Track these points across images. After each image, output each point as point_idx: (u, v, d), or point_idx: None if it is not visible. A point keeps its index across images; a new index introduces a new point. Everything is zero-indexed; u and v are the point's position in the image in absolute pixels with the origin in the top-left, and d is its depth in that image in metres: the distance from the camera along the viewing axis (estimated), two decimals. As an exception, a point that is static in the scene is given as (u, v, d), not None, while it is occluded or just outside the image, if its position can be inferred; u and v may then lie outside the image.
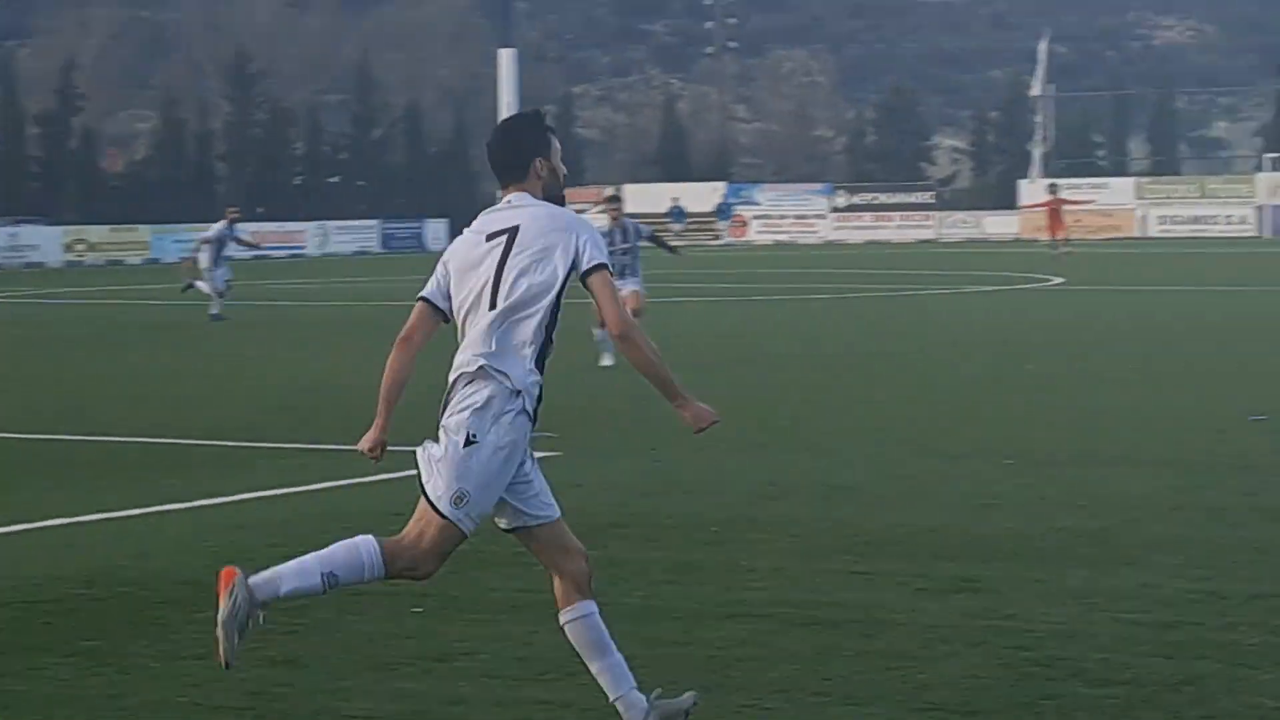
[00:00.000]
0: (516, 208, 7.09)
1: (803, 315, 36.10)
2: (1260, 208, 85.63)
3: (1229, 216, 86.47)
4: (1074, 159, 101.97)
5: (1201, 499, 12.67)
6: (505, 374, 6.88)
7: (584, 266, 6.93)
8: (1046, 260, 54.56)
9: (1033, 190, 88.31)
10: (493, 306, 6.93)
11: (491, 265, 6.97)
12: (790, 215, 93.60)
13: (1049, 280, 46.15)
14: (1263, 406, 17.85)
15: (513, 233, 6.99)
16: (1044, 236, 59.69)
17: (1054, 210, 55.62)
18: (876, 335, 29.46)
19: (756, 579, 10.21)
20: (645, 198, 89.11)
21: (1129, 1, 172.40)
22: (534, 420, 6.98)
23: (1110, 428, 16.87)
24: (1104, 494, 12.94)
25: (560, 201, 7.20)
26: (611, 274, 6.99)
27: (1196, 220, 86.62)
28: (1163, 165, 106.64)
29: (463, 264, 7.06)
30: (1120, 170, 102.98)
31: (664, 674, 7.84)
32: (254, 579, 6.91)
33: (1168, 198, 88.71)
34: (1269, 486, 13.16)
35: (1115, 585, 9.93)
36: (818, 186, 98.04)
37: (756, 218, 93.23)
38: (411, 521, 6.98)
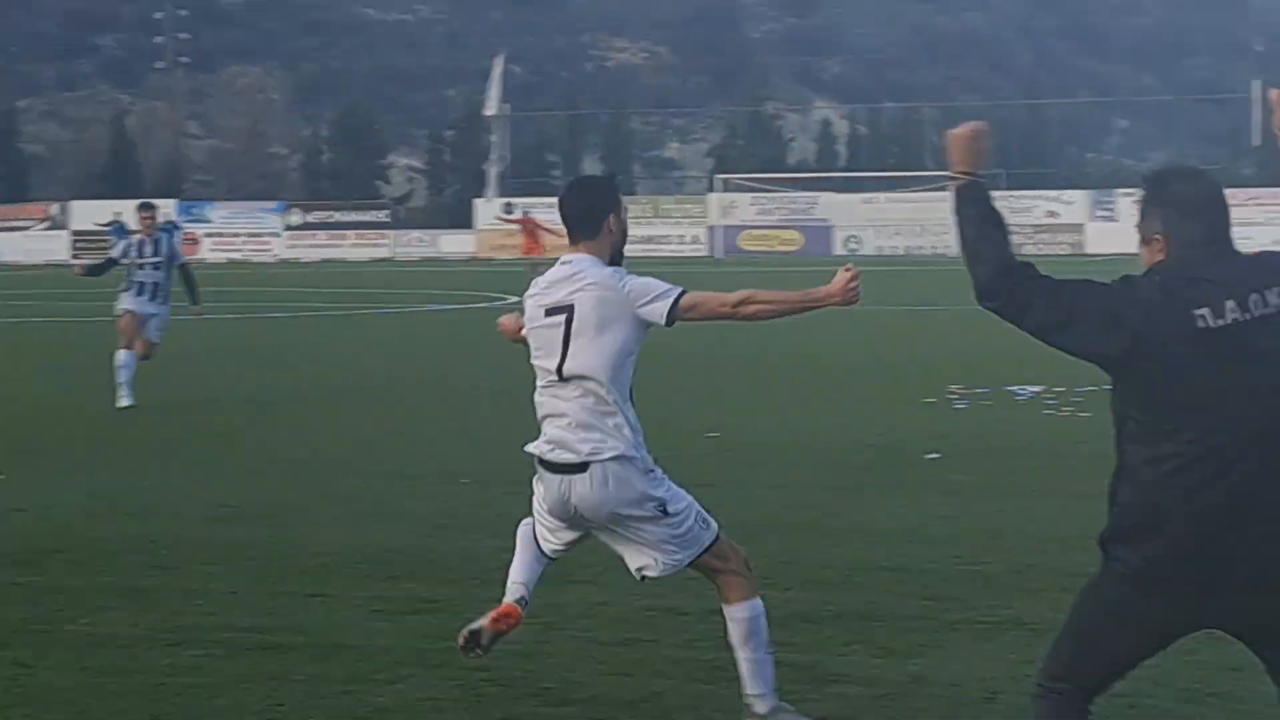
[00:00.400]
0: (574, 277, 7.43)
1: (256, 334, 35.50)
2: (711, 228, 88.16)
3: (681, 236, 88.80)
4: (530, 178, 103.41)
5: (657, 514, 12.74)
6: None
7: (664, 318, 7.33)
8: (503, 278, 54.96)
9: (488, 209, 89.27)
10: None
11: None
12: (243, 233, 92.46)
13: (505, 299, 46.48)
14: (715, 423, 18.19)
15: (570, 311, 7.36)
16: (521, 255, 60.02)
17: (529, 230, 56.03)
18: (328, 356, 29.11)
19: (208, 604, 9.88)
20: (92, 213, 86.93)
21: (583, 23, 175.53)
22: None
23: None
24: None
25: (622, 257, 7.56)
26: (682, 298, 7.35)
27: (650, 240, 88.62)
28: (618, 185, 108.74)
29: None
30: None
31: (108, 704, 7.46)
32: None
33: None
34: (722, 503, 13.31)
35: (572, 604, 9.91)
36: (271, 204, 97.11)
37: (209, 235, 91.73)
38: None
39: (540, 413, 7.56)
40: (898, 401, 20.21)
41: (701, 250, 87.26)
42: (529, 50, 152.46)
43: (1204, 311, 5.33)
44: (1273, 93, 5.99)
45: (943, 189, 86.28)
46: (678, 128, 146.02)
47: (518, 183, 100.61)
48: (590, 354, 7.30)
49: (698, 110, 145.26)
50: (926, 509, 12.84)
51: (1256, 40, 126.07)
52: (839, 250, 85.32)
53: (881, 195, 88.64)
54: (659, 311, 7.28)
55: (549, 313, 7.41)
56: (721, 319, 7.45)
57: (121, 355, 20.31)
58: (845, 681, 8.28)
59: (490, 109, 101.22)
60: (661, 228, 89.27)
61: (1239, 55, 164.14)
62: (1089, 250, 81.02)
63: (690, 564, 7.60)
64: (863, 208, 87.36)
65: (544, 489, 7.54)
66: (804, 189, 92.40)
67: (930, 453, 15.70)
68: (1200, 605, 5.42)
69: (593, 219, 7.47)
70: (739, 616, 7.50)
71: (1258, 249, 5.68)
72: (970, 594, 9.98)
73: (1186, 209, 5.51)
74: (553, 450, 7.46)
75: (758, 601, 7.50)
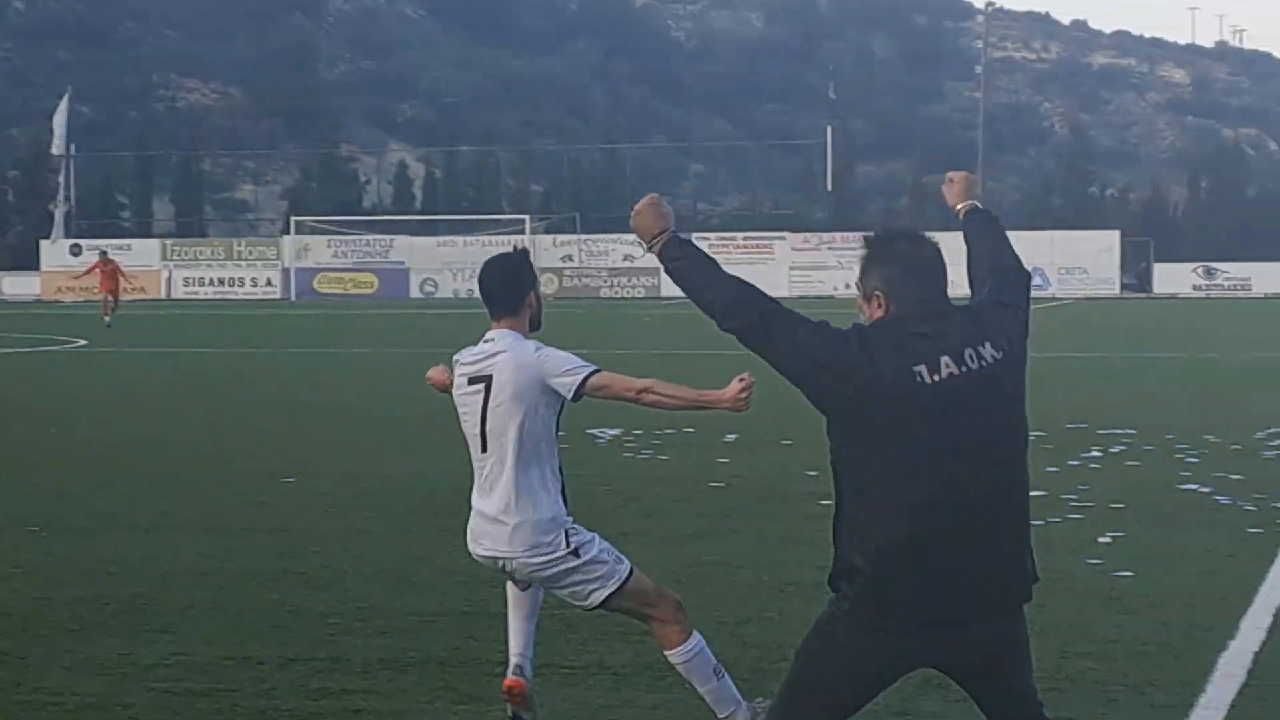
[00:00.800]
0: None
1: None
2: (285, 270, 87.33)
3: (255, 279, 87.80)
4: (97, 219, 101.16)
5: (235, 564, 12.51)
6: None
7: (571, 393, 7.75)
8: (69, 321, 53.66)
9: (54, 250, 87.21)
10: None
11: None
12: None
13: (73, 341, 45.34)
14: (293, 467, 17.95)
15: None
16: (97, 297, 58.55)
17: (108, 273, 54.70)
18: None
19: None
20: None
21: (153, 62, 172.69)
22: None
23: (140, 491, 16.50)
24: (135, 560, 12.60)
25: (540, 325, 8.09)
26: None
27: (223, 282, 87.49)
28: (188, 227, 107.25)
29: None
30: (145, 231, 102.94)
31: None
32: None
33: (194, 259, 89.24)
34: (300, 550, 13.14)
35: (148, 654, 9.65)
36: None
37: None
38: None
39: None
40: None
41: (275, 293, 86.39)
42: (96, 89, 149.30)
43: (921, 368, 5.49)
44: (950, 176, 6.24)
45: (517, 231, 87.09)
46: (250, 170, 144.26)
47: (85, 223, 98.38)
48: (503, 418, 7.79)
49: (271, 152, 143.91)
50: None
51: (829, 88, 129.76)
52: (415, 293, 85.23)
53: (458, 238, 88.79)
54: (568, 386, 7.73)
55: (470, 381, 7.95)
56: (625, 401, 7.81)
57: None
58: (429, 728, 8.18)
59: (56, 148, 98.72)
60: (234, 270, 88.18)
61: (810, 102, 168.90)
62: (664, 294, 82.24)
63: (619, 608, 7.88)
64: (439, 250, 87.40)
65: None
66: (380, 232, 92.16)
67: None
68: (918, 643, 5.57)
69: (513, 297, 7.98)
70: (679, 661, 7.79)
71: (963, 303, 5.87)
72: (553, 638, 9.95)
73: (907, 268, 5.68)
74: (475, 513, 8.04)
75: (694, 639, 7.78)
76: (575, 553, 7.70)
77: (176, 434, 21.88)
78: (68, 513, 15.10)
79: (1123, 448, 18.96)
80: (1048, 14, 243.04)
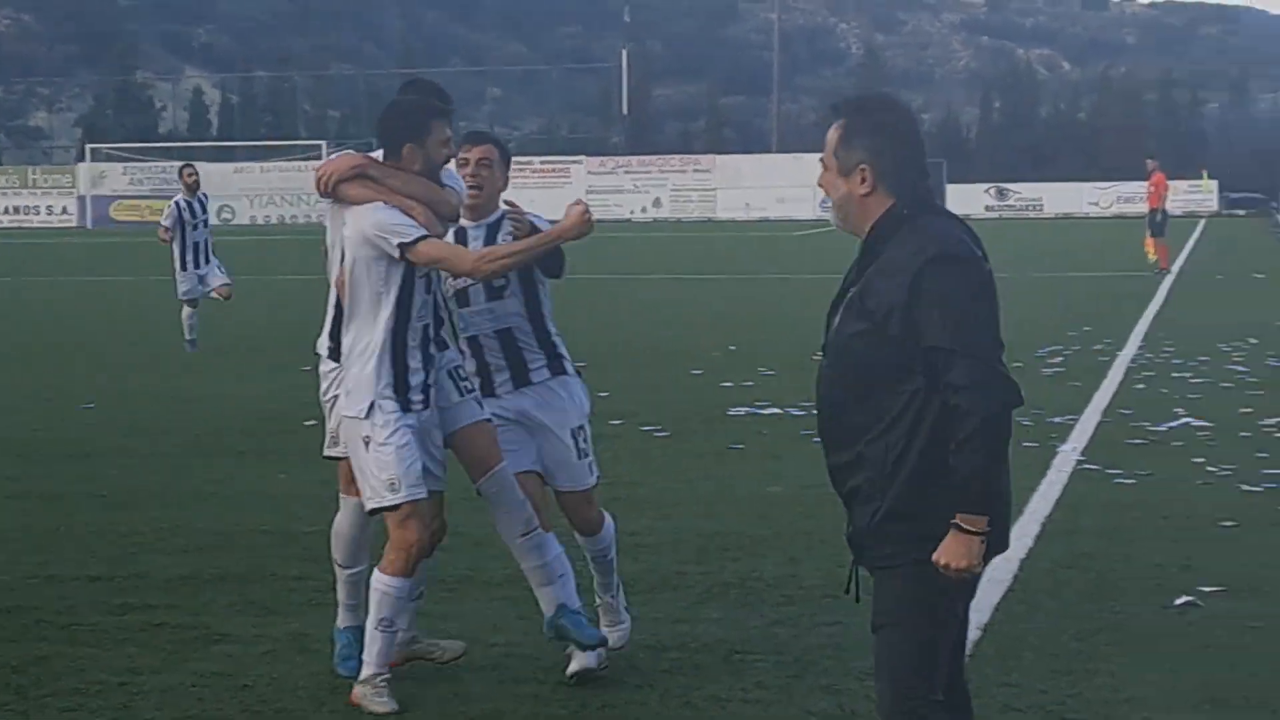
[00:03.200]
0: None
1: None
2: (81, 198, 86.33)
3: (50, 207, 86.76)
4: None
5: (37, 486, 12.76)
6: None
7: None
8: None
9: None
10: None
11: None
12: None
13: None
14: (92, 393, 18.14)
15: None
16: None
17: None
18: None
19: None
20: None
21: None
22: None
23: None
24: (-67, 485, 12.82)
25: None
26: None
27: (18, 210, 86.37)
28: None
29: None
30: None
31: None
32: None
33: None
34: (101, 473, 13.41)
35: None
36: None
37: None
38: None
39: None
40: (279, 369, 20.37)
41: (71, 221, 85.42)
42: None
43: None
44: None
45: (314, 156, 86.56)
46: (44, 97, 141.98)
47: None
48: None
49: (65, 79, 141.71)
50: (301, 474, 13.08)
51: (625, 11, 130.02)
52: (213, 220, 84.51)
53: (255, 165, 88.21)
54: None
55: None
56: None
57: None
58: (230, 641, 8.53)
59: None
60: (29, 198, 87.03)
61: (608, 25, 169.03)
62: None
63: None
64: (236, 177, 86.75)
65: None
66: (176, 158, 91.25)
67: (308, 420, 15.98)
68: None
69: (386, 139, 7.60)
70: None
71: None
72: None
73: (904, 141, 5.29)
74: None
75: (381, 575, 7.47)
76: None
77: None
78: None
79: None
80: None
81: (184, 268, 23.09)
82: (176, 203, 23.37)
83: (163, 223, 23.34)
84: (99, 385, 19.03)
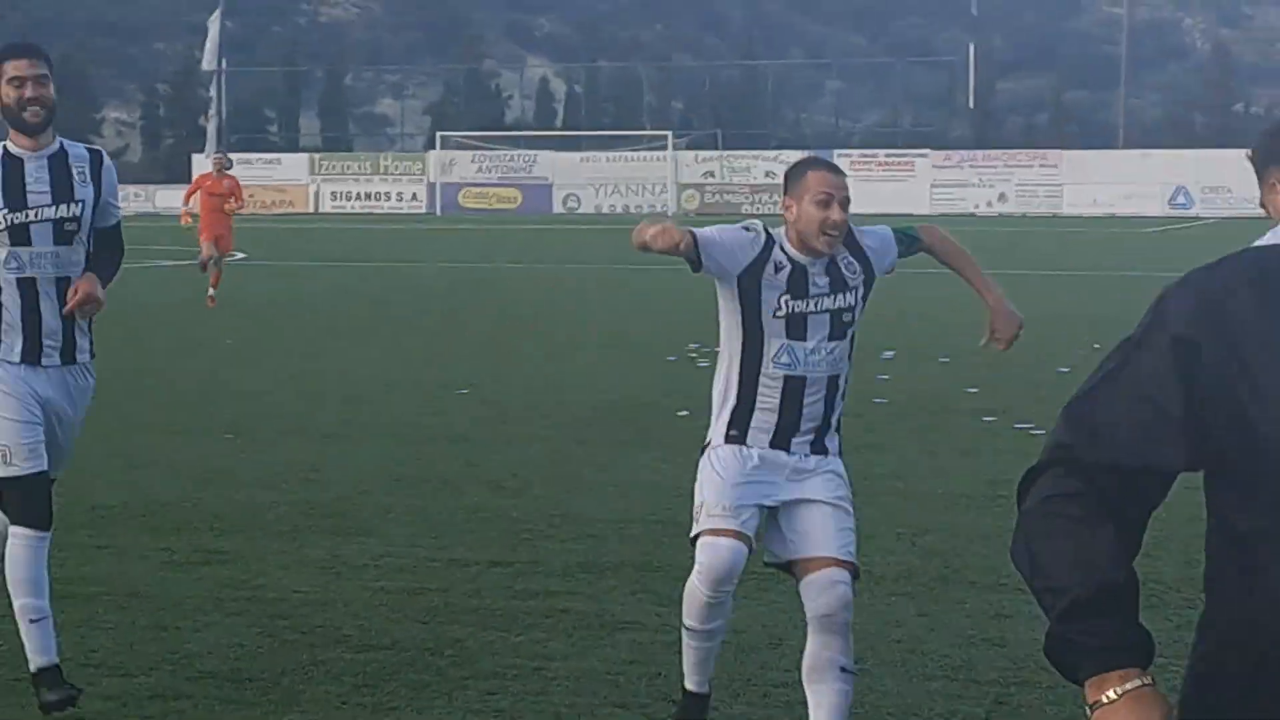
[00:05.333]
0: None
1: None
2: (431, 185, 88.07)
3: (400, 194, 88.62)
4: (247, 134, 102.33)
5: (423, 470, 13.02)
6: None
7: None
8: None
9: (207, 165, 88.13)
10: None
11: None
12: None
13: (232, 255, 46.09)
14: (466, 379, 18.48)
15: None
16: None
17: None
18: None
19: (-5, 559, 9.94)
20: None
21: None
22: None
23: (324, 400, 17.10)
24: (331, 466, 13.14)
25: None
26: None
27: (369, 197, 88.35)
28: (334, 142, 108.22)
29: None
30: (293, 146, 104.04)
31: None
32: None
33: (341, 174, 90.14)
34: (485, 457, 13.65)
35: (354, 555, 10.15)
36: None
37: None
38: None
39: None
40: (642, 359, 20.61)
41: (420, 208, 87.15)
42: (244, 5, 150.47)
43: None
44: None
45: (660, 147, 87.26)
46: (392, 84, 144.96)
47: (235, 138, 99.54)
48: None
49: (412, 67, 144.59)
50: (684, 464, 13.17)
51: (972, 4, 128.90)
52: (558, 209, 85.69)
53: (601, 154, 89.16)
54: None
55: None
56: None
57: None
58: (636, 628, 8.61)
59: (206, 63, 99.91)
60: (380, 185, 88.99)
61: (949, 17, 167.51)
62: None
63: None
64: (581, 166, 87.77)
65: None
66: (523, 147, 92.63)
67: (680, 410, 16.10)
68: None
69: None
70: None
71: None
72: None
73: None
74: None
75: None
76: None
77: (342, 347, 22.50)
78: (256, 421, 15.70)
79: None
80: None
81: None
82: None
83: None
84: (471, 371, 19.37)
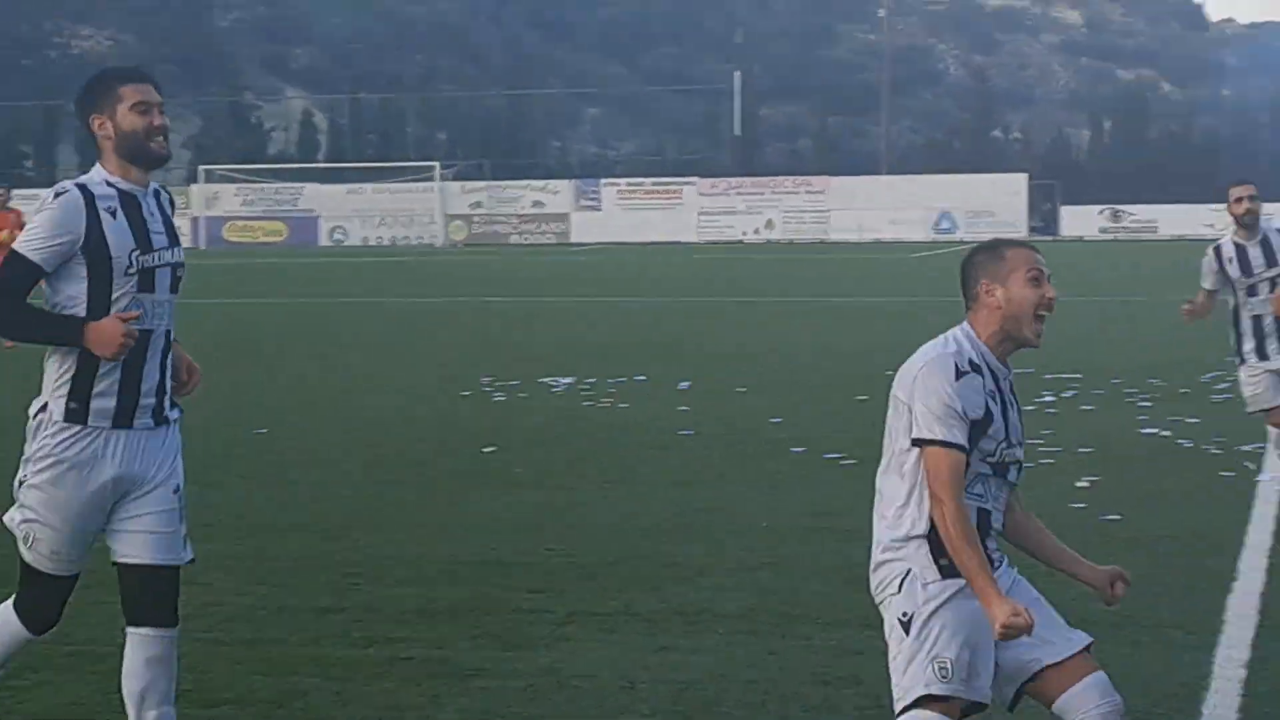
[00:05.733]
0: None
1: None
2: (195, 219, 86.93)
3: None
4: (3, 168, 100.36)
5: (240, 514, 12.71)
6: None
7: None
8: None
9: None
10: None
11: None
12: None
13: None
14: (266, 419, 18.13)
15: None
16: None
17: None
18: None
19: None
20: None
21: (46, 10, 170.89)
22: None
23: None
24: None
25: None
26: None
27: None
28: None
29: None
30: (50, 181, 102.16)
31: None
32: None
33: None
34: (300, 500, 13.36)
35: (182, 604, 9.80)
36: None
37: None
38: None
39: None
40: (438, 394, 20.39)
41: (185, 241, 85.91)
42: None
43: None
44: None
45: (427, 178, 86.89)
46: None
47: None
48: None
49: (169, 100, 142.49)
50: (504, 502, 13.06)
51: (737, 33, 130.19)
52: (324, 241, 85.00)
53: (367, 186, 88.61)
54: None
55: None
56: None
57: None
58: (484, 675, 8.43)
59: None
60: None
61: (706, 46, 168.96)
62: (573, 239, 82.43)
63: None
64: (348, 198, 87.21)
65: None
66: (288, 180, 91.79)
67: (486, 446, 15.94)
68: None
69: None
70: None
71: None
72: (574, 585, 10.24)
73: None
74: None
75: None
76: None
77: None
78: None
79: (1073, 392, 19.41)
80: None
81: None
82: None
83: None
84: (269, 415, 19.04)
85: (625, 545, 11.39)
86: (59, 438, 6.54)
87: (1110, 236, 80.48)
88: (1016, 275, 5.81)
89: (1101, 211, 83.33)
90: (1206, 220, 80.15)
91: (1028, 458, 14.46)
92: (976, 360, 5.79)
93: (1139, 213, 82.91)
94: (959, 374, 5.70)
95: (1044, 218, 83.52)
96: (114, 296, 6.52)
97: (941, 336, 5.89)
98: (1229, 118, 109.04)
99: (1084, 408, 18.23)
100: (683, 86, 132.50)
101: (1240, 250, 12.82)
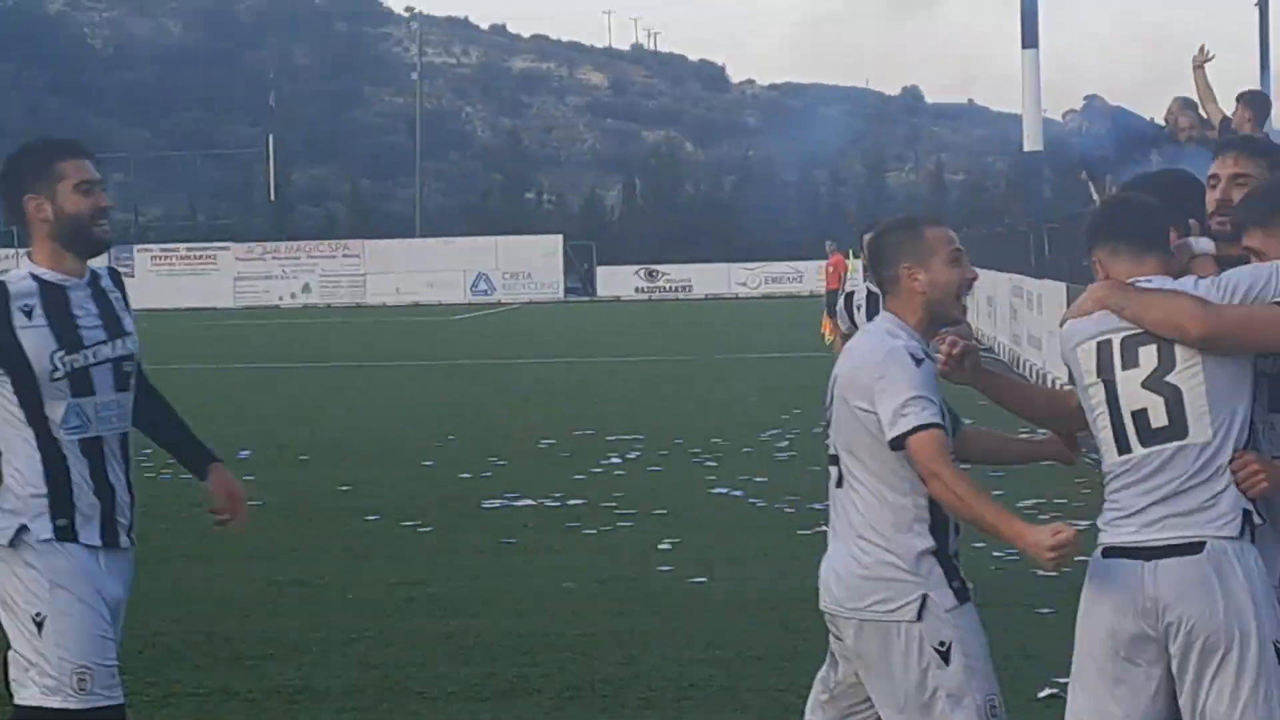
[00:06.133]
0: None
1: None
2: None
3: None
4: None
5: None
6: None
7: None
8: None
9: None
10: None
11: None
12: None
13: None
14: None
15: None
16: None
17: None
18: None
19: None
20: None
21: None
22: None
23: None
24: None
25: None
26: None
27: None
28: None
29: None
30: None
31: None
32: None
33: None
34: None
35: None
36: None
37: None
38: None
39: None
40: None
41: None
42: None
43: None
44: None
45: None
46: None
47: None
48: None
49: None
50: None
51: (270, 96, 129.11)
52: None
53: None
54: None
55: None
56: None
57: None
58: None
59: None
60: None
61: (234, 109, 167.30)
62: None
63: None
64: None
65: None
66: None
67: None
68: None
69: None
70: None
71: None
72: (165, 665, 9.86)
73: None
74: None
75: None
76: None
77: None
78: None
79: (638, 454, 19.41)
80: (467, 19, 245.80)
81: None
82: None
83: None
84: None
85: (210, 622, 11.01)
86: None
87: (646, 296, 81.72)
88: (938, 257, 5.73)
89: (637, 271, 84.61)
90: (740, 279, 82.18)
91: (604, 521, 14.44)
92: (918, 354, 5.66)
93: (673, 272, 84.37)
94: (916, 362, 5.61)
95: (581, 278, 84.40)
96: (44, 407, 5.93)
97: (875, 331, 5.78)
98: (755, 178, 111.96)
99: (652, 469, 18.27)
100: (214, 150, 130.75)
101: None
